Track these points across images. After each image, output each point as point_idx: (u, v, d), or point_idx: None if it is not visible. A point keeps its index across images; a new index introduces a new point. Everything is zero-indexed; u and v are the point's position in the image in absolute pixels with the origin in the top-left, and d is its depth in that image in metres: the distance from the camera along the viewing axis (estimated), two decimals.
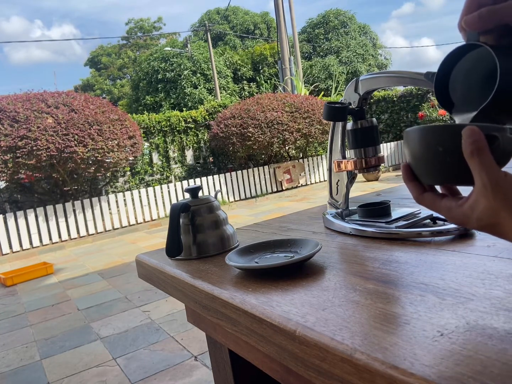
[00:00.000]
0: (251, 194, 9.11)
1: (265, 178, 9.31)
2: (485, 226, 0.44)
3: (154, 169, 9.34)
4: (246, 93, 23.39)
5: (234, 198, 8.88)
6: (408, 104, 12.47)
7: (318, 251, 0.70)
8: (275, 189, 9.45)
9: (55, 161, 6.30)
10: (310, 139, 9.28)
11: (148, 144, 9.22)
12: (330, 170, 0.96)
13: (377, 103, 12.79)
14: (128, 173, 8.98)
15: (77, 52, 78.35)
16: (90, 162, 6.68)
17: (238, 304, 0.59)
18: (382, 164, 0.90)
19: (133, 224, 7.48)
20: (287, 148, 9.60)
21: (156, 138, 9.31)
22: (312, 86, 14.78)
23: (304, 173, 9.84)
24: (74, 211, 6.93)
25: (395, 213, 0.87)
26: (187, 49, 23.62)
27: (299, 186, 9.69)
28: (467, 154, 0.44)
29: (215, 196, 0.96)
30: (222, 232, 0.90)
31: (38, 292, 4.16)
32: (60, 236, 6.79)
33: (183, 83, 22.06)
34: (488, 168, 0.43)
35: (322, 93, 12.79)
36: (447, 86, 0.53)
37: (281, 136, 8.69)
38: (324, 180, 10.27)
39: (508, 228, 0.42)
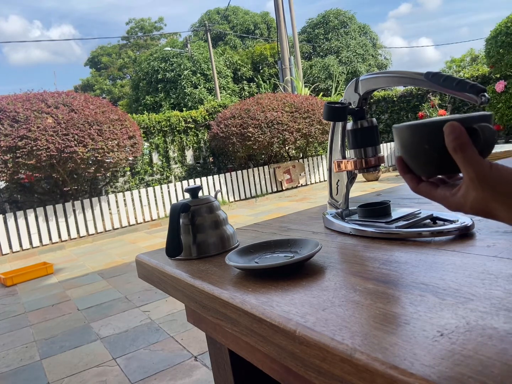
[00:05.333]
0: (251, 194, 9.11)
1: (265, 178, 9.31)
2: (478, 212, 0.47)
3: (154, 169, 9.33)
4: (246, 93, 23.39)
5: (234, 198, 8.88)
6: (408, 104, 12.47)
7: (318, 251, 0.70)
8: (275, 189, 9.45)
9: (55, 161, 6.30)
10: (310, 139, 9.28)
11: (148, 144, 9.21)
12: (330, 170, 0.96)
13: (377, 103, 12.79)
14: (128, 173, 8.98)
15: (77, 53, 78.36)
16: (90, 162, 6.68)
17: (238, 304, 0.59)
18: (382, 164, 0.90)
19: (133, 224, 7.47)
20: (287, 148, 9.59)
21: (156, 138, 9.31)
22: (313, 86, 14.77)
23: (304, 173, 9.84)
24: (74, 211, 6.92)
25: (395, 213, 0.87)
26: (187, 49, 23.62)
27: (299, 186, 9.69)
28: (451, 150, 0.46)
29: (215, 196, 0.96)
30: (222, 232, 0.90)
31: (38, 292, 4.16)
32: (60, 236, 6.79)
33: (183, 83, 22.06)
34: (473, 162, 0.45)
35: (322, 93, 12.78)
36: None
37: (281, 136, 8.69)
38: (324, 180, 10.27)
39: (500, 214, 0.45)
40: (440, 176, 0.53)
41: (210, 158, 10.11)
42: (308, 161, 10.11)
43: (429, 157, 0.49)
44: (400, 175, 0.54)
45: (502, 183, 0.44)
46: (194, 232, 0.88)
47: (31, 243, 6.52)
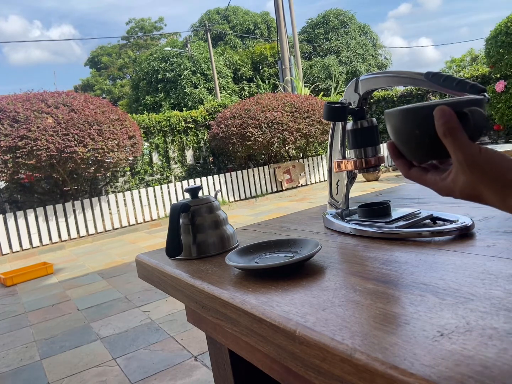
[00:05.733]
0: (251, 194, 9.11)
1: (265, 178, 9.31)
2: (467, 197, 0.47)
3: (154, 169, 9.33)
4: (246, 93, 23.39)
5: (234, 198, 8.87)
6: (408, 104, 12.46)
7: (318, 251, 0.70)
8: (275, 189, 9.45)
9: (55, 161, 6.30)
10: (310, 139, 9.28)
11: (148, 144, 9.21)
12: (330, 170, 0.96)
13: (377, 103, 12.79)
14: (128, 173, 8.97)
15: (77, 53, 78.35)
16: (90, 162, 6.68)
17: (238, 304, 0.59)
18: (382, 164, 0.90)
19: (133, 224, 7.47)
20: (287, 148, 9.59)
21: (156, 138, 9.31)
22: (312, 86, 14.77)
23: (304, 173, 9.84)
24: (74, 211, 6.92)
25: (395, 213, 0.87)
26: (187, 49, 23.62)
27: (299, 186, 9.69)
28: (441, 134, 0.46)
29: (215, 196, 0.96)
30: (222, 232, 0.90)
31: (38, 292, 4.16)
32: (60, 236, 6.79)
33: (183, 83, 22.05)
34: (462, 146, 0.45)
35: (322, 93, 12.79)
36: None
37: (281, 136, 8.69)
38: (324, 180, 10.27)
39: (489, 199, 0.45)
40: (432, 161, 0.54)
41: (210, 158, 10.11)
42: (308, 161, 10.11)
43: (420, 142, 0.50)
44: (392, 160, 0.55)
45: (491, 167, 0.44)
46: (194, 232, 0.88)
47: (31, 243, 6.52)
